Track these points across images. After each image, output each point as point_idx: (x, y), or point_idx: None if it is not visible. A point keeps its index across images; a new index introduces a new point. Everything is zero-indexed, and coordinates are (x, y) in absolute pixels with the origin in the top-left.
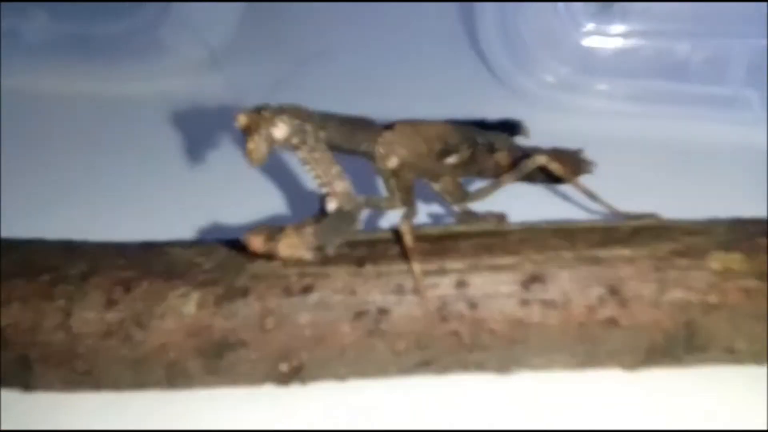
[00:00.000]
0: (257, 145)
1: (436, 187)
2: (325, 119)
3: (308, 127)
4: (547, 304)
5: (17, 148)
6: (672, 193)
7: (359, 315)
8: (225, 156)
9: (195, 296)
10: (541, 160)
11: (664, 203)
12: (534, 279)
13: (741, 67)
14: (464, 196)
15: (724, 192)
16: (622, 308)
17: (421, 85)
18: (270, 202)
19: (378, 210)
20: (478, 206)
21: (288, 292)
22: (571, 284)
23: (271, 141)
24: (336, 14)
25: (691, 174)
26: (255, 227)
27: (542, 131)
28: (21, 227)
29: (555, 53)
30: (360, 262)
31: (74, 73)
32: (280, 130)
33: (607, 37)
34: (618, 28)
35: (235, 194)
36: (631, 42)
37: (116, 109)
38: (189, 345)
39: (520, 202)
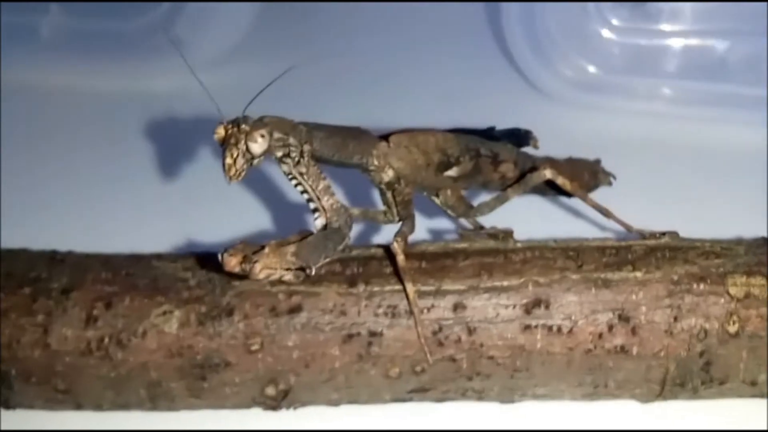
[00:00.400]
0: (235, 160)
1: (437, 200)
2: (311, 131)
3: (292, 140)
4: (552, 330)
5: (20, 145)
6: (703, 203)
7: (349, 338)
8: None
9: (177, 314)
10: (547, 173)
11: (694, 214)
12: (537, 303)
13: None
14: (467, 209)
15: (762, 203)
16: (633, 336)
17: (446, 85)
18: (268, 212)
19: (375, 223)
20: (484, 220)
21: (275, 311)
22: (577, 309)
23: (249, 156)
24: (358, 13)
25: (724, 182)
26: (233, 244)
27: (569, 131)
28: (17, 225)
29: (583, 51)
30: (351, 281)
31: (86, 70)
32: (260, 145)
33: (638, 35)
34: (649, 25)
35: (241, 200)
36: (663, 40)
37: (128, 106)
38: (171, 365)
39: (530, 216)
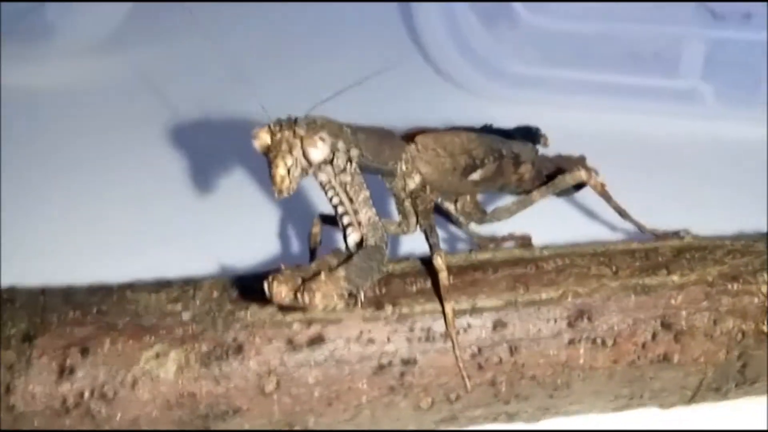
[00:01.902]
0: (291, 170)
1: (452, 207)
2: (356, 133)
3: (341, 144)
4: (595, 342)
5: None
6: (621, 191)
7: (380, 368)
8: (132, 149)
9: (174, 356)
10: (582, 175)
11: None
12: (580, 314)
13: (695, 60)
14: (483, 216)
15: (677, 189)
16: (676, 343)
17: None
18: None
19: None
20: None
21: (292, 344)
22: (620, 318)
23: (307, 164)
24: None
25: (641, 170)
26: (277, 269)
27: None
28: None
29: (499, 43)
30: (377, 304)
31: None
32: (320, 151)
33: (553, 26)
34: (567, 17)
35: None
36: (576, 29)
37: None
38: (169, 418)
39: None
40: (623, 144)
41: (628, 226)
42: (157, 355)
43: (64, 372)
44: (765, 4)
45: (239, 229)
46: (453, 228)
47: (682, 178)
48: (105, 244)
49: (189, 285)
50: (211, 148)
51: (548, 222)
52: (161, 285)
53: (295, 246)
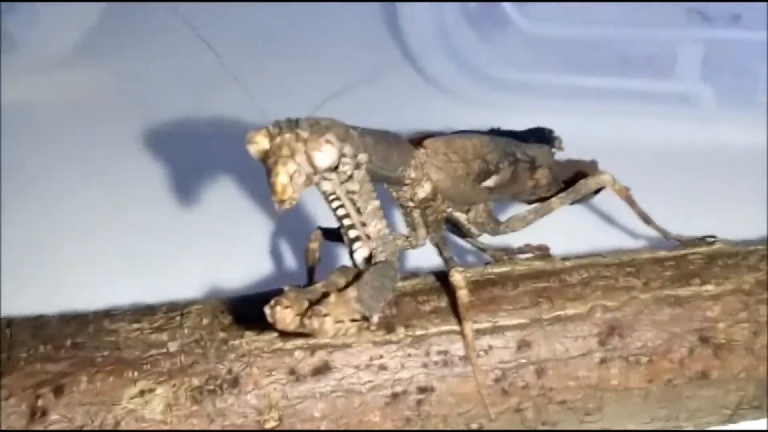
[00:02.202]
0: (294, 178)
1: (463, 217)
2: (362, 136)
3: (348, 149)
4: (629, 361)
5: None
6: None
7: (394, 398)
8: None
9: (161, 392)
10: (606, 179)
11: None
12: (611, 331)
13: (693, 62)
14: (497, 226)
15: (677, 193)
16: (715, 358)
17: (348, 95)
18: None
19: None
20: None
21: (295, 374)
22: (654, 334)
23: (311, 171)
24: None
25: (639, 174)
26: (279, 291)
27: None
28: None
29: (490, 48)
30: (387, 326)
31: None
32: (328, 156)
33: (545, 30)
34: (555, 19)
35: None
36: (568, 34)
37: None
38: None
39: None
40: (621, 149)
41: (646, 232)
42: (142, 393)
43: (36, 415)
44: (752, 5)
45: (226, 246)
46: (457, 239)
47: (681, 182)
48: (78, 265)
49: (175, 311)
50: (191, 159)
51: (556, 230)
52: (143, 312)
53: (290, 263)
